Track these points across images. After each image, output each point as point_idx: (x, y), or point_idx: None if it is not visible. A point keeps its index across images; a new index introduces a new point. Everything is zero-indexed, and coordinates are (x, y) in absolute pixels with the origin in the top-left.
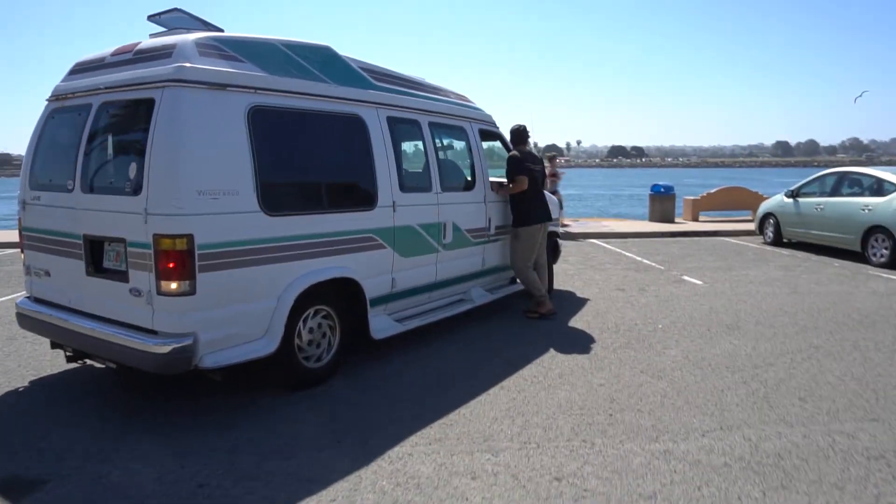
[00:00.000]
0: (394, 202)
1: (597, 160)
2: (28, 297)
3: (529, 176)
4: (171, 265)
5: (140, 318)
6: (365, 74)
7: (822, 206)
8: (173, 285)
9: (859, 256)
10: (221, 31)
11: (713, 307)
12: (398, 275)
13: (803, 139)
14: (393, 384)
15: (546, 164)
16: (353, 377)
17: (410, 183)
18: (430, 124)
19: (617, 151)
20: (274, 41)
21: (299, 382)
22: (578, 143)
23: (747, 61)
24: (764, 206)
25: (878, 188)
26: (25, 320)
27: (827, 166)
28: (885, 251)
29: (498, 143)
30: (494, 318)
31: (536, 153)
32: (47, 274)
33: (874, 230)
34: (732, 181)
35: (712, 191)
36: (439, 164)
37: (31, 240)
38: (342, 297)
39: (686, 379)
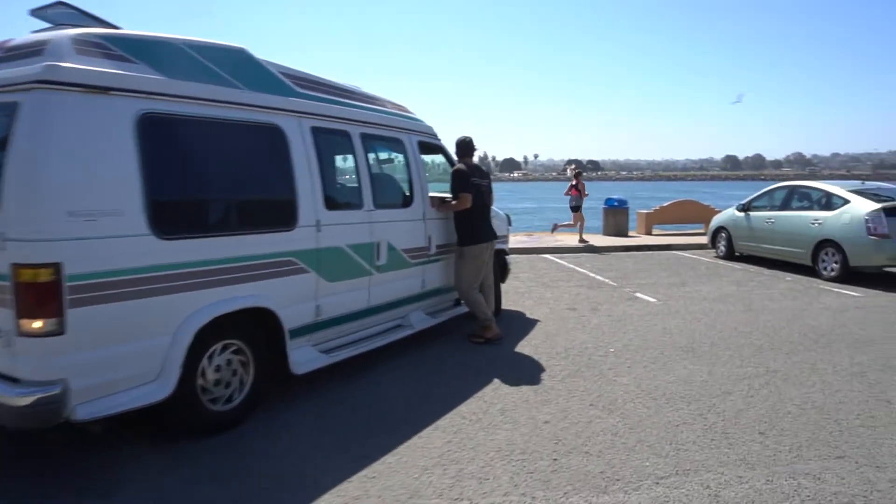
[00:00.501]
0: (318, 221)
1: (553, 173)
2: None
3: (475, 192)
4: (33, 300)
5: (3, 362)
6: (287, 81)
7: (772, 220)
8: (36, 324)
9: (810, 270)
10: (116, 28)
11: (667, 327)
12: (324, 301)
13: (751, 153)
14: (314, 427)
15: (572, 178)
16: (269, 418)
17: (338, 199)
18: (363, 136)
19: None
20: (175, 40)
21: (205, 428)
22: (535, 156)
23: (698, 77)
24: (716, 220)
25: (828, 202)
26: None
27: (773, 180)
28: (834, 265)
29: (440, 157)
30: (437, 344)
31: (484, 166)
32: None
33: (824, 244)
34: (685, 194)
35: (665, 204)
36: (372, 179)
37: None
38: (256, 328)
39: (639, 412)
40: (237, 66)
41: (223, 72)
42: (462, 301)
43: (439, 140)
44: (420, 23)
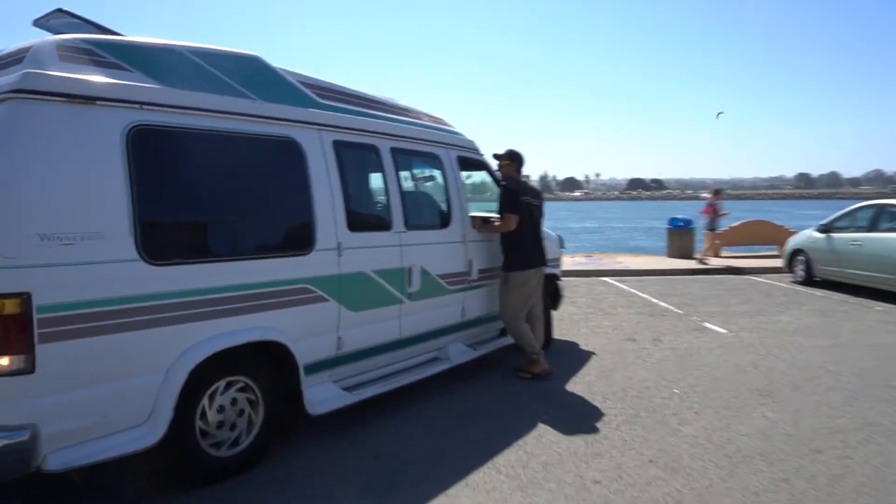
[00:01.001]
0: (339, 244)
1: (615, 192)
2: None
3: (524, 212)
4: None
5: None
6: (306, 90)
7: (859, 243)
8: (2, 361)
9: None
10: (118, 35)
11: (740, 364)
12: (347, 333)
13: (825, 170)
14: (329, 476)
15: (711, 198)
16: (281, 464)
17: (364, 220)
18: (394, 150)
19: (636, 184)
20: (178, 47)
21: (204, 477)
22: (597, 175)
23: (767, 92)
24: (793, 242)
25: None
26: None
27: (853, 199)
28: None
29: (483, 174)
30: (477, 378)
31: (540, 185)
32: None
33: None
34: (754, 213)
35: (735, 224)
36: (403, 198)
37: None
38: (267, 364)
39: (708, 473)
40: (249, 74)
41: (233, 81)
42: (507, 331)
43: (482, 155)
44: (478, 38)
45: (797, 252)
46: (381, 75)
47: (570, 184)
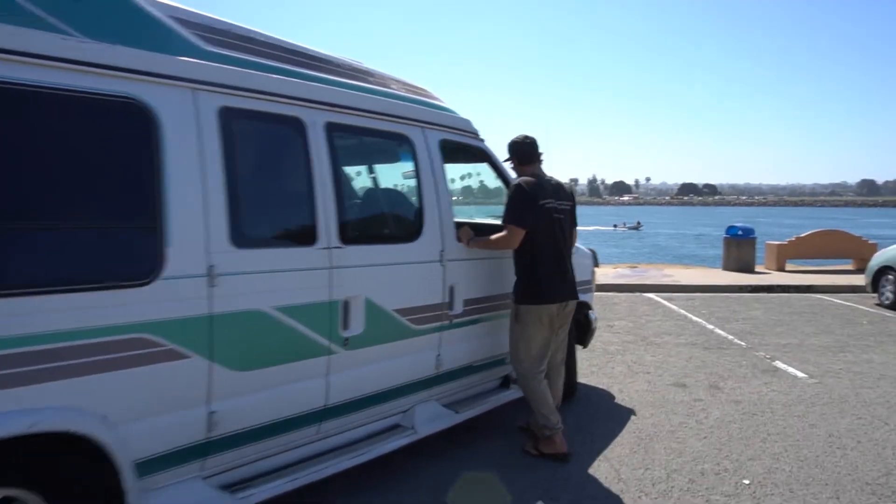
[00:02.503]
0: (211, 268)
1: (667, 197)
2: None
3: (539, 221)
4: None
5: None
6: (183, 31)
7: None
8: None
9: None
10: None
11: (834, 433)
12: (226, 404)
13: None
14: None
15: None
16: None
17: (262, 229)
18: (331, 126)
19: (688, 189)
20: None
21: None
22: (647, 179)
23: (829, 96)
24: (879, 258)
25: None
26: None
27: None
28: None
29: (484, 166)
30: (468, 444)
31: (566, 183)
32: None
33: None
34: (815, 221)
35: (803, 234)
36: (341, 197)
37: None
38: (74, 462)
39: None
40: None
41: (35, 6)
42: (518, 385)
43: (480, 140)
44: (525, 40)
45: (886, 270)
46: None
47: (620, 188)
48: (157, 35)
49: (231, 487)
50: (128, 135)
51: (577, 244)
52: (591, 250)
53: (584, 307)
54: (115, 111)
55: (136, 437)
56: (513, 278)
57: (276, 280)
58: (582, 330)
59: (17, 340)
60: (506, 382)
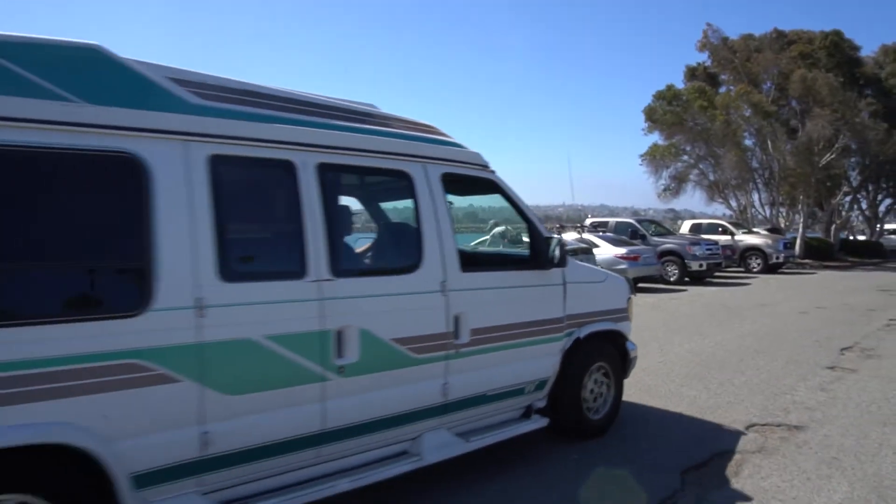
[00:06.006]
0: (199, 300)
1: None
2: None
3: None
4: None
5: None
6: (176, 89)
7: None
8: None
9: None
10: None
11: None
12: (220, 426)
13: None
14: None
15: None
16: None
17: (250, 265)
18: (322, 167)
19: None
20: None
21: None
22: None
23: None
24: None
25: None
26: None
27: None
28: None
29: (497, 197)
30: (489, 477)
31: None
32: None
33: None
34: None
35: None
36: (331, 232)
37: None
38: (75, 477)
39: None
40: (75, 70)
41: (42, 78)
42: (538, 413)
43: (491, 172)
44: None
45: None
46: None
47: None
48: (151, 94)
49: (233, 503)
50: (121, 184)
51: (607, 272)
52: (625, 278)
53: (621, 337)
54: (110, 164)
55: (131, 453)
56: (535, 307)
57: (265, 311)
58: (622, 361)
59: (23, 364)
60: (527, 413)
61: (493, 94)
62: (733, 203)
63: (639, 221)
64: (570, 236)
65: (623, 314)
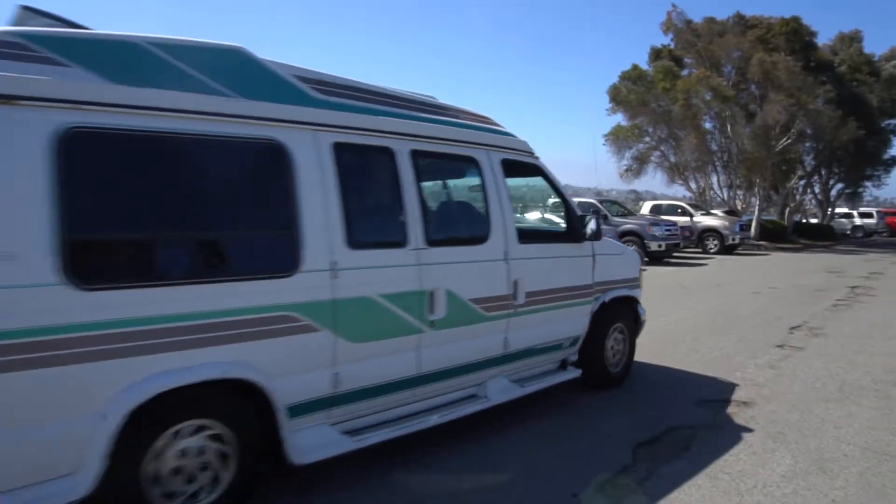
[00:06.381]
0: (334, 264)
1: None
2: None
3: None
4: None
5: None
6: (302, 86)
7: None
8: None
9: None
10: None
11: None
12: (346, 368)
13: None
14: None
15: None
16: None
17: (368, 235)
18: (415, 153)
19: None
20: (135, 38)
21: None
22: None
23: None
24: None
25: None
26: None
27: None
28: None
29: (539, 179)
30: (530, 420)
31: None
32: None
33: None
34: None
35: None
36: (425, 209)
37: None
38: (245, 404)
39: None
40: (227, 69)
41: (204, 76)
42: (572, 366)
43: (536, 158)
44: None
45: None
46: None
47: None
48: (285, 90)
49: (350, 433)
50: (272, 166)
51: (621, 244)
52: (635, 250)
53: (634, 302)
54: (262, 150)
55: (286, 388)
56: (561, 277)
57: (379, 274)
58: (635, 322)
59: (206, 314)
60: (563, 365)
61: (453, 71)
62: (693, 185)
63: (600, 202)
64: (533, 216)
65: (636, 282)
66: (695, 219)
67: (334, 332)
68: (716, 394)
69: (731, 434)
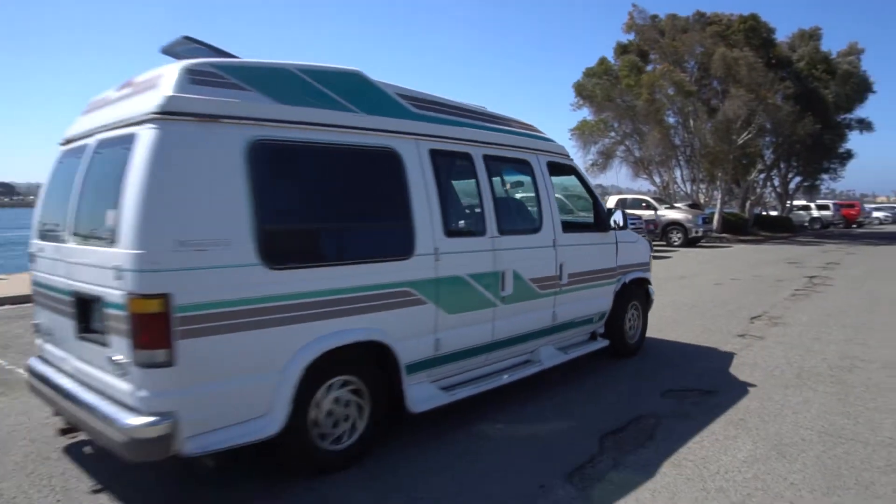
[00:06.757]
0: (436, 249)
1: None
2: (37, 358)
3: None
4: (143, 330)
5: (119, 392)
6: (403, 102)
7: None
8: (148, 354)
9: None
10: (234, 57)
11: None
12: (444, 335)
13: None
14: (420, 483)
15: None
16: (374, 464)
17: (458, 226)
18: (486, 157)
19: None
20: (288, 66)
21: (316, 467)
22: None
23: None
24: None
25: None
26: (31, 383)
27: None
28: None
29: (573, 178)
30: (569, 380)
31: None
32: (49, 333)
33: None
34: None
35: None
36: (496, 204)
37: (36, 295)
38: (373, 364)
39: None
40: (351, 89)
41: (337, 95)
42: (601, 337)
43: (571, 160)
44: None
45: None
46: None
47: None
48: (393, 106)
49: (445, 389)
50: (391, 170)
51: (635, 234)
52: (646, 238)
53: (646, 283)
54: (383, 156)
55: (405, 350)
56: (591, 261)
57: (466, 257)
58: (646, 299)
59: (354, 289)
60: (593, 337)
61: (420, 65)
62: (657, 179)
63: (566, 197)
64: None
65: (648, 266)
66: (659, 212)
67: (437, 305)
68: (680, 383)
69: (694, 422)
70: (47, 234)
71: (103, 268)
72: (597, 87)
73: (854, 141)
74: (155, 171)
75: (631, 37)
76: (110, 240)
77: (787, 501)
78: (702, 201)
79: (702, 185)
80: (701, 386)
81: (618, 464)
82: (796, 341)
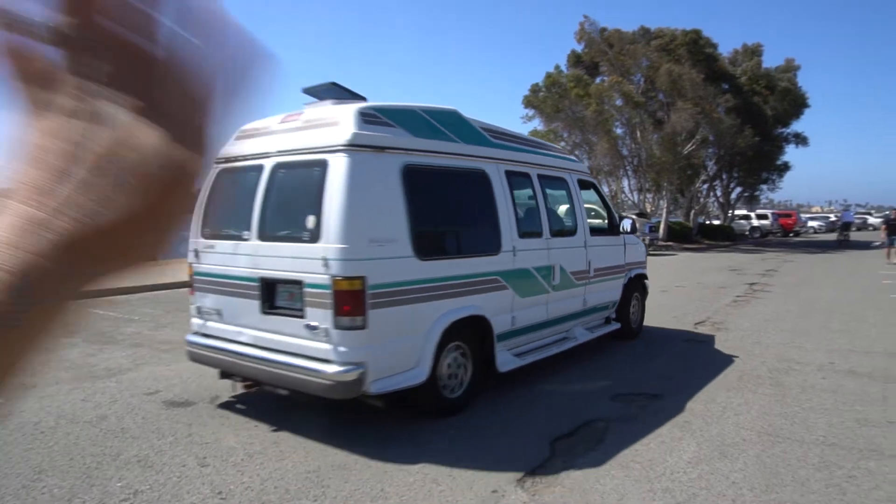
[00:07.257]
0: (514, 247)
1: None
2: (196, 334)
3: None
4: (348, 303)
5: (315, 350)
6: (485, 133)
7: None
8: (350, 321)
9: None
10: (365, 99)
11: None
12: (517, 314)
13: None
14: (521, 419)
15: None
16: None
17: (526, 229)
18: (539, 176)
19: None
20: (414, 108)
21: (440, 410)
22: None
23: None
24: None
25: None
26: (197, 355)
27: None
28: None
29: (592, 192)
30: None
31: None
32: (218, 313)
33: None
34: None
35: None
36: (548, 212)
37: (202, 283)
38: (474, 333)
39: None
40: (453, 123)
41: (445, 129)
42: (612, 319)
43: (594, 178)
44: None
45: None
46: None
47: None
48: (480, 137)
49: (518, 356)
50: (483, 187)
51: (632, 236)
52: (642, 240)
53: (644, 277)
54: (477, 175)
55: (496, 323)
56: (614, 258)
57: (531, 254)
58: (643, 291)
59: (467, 276)
60: (608, 321)
61: (373, 73)
62: (605, 188)
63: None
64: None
65: (645, 264)
66: None
67: (513, 290)
68: (629, 387)
69: (641, 425)
70: (218, 235)
71: (305, 259)
72: (546, 99)
73: (790, 154)
74: (350, 187)
75: (582, 46)
76: (311, 238)
77: (730, 500)
78: (648, 210)
79: (648, 195)
80: (648, 389)
81: (569, 466)
82: (738, 345)
